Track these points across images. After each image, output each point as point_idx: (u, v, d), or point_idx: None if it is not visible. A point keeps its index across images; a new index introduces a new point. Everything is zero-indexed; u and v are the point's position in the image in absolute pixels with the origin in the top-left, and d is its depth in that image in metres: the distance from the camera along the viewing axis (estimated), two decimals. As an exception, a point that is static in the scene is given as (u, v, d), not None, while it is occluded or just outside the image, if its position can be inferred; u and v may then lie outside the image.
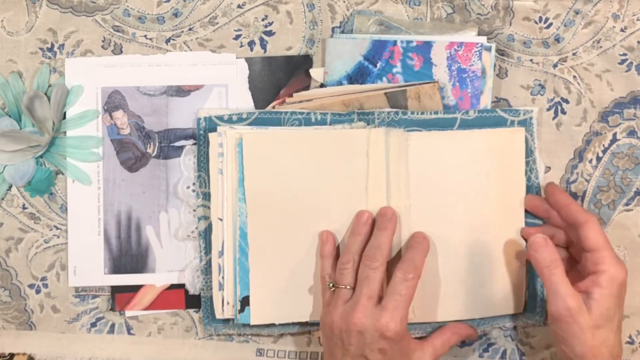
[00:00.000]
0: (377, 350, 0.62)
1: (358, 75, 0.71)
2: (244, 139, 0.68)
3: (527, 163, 0.70)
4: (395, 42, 0.71)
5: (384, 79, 0.71)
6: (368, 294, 0.63)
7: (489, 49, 0.70)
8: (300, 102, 0.71)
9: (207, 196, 0.70)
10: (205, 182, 0.70)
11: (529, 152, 0.70)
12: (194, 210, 0.72)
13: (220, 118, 0.70)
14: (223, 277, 0.69)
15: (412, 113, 0.69)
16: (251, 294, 0.68)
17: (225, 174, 0.69)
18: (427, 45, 0.71)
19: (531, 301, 0.71)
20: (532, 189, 0.70)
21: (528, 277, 0.71)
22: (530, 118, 0.70)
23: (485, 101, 0.71)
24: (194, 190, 0.72)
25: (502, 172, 0.69)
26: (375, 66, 0.71)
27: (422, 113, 0.70)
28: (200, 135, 0.70)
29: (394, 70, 0.71)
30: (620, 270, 0.62)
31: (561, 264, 0.63)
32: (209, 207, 0.70)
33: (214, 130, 0.69)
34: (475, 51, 0.70)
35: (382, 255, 0.64)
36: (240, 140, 0.68)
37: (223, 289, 0.69)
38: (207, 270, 0.70)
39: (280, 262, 0.69)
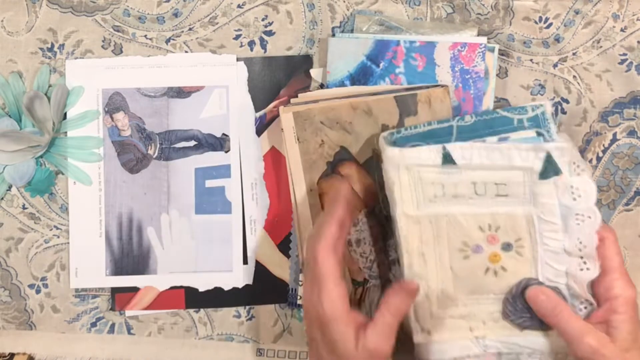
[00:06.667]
0: None
1: (360, 76, 0.71)
2: None
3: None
4: (398, 42, 0.70)
5: (387, 79, 0.71)
6: None
7: (492, 50, 0.70)
8: (306, 103, 0.71)
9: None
10: None
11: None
12: (195, 211, 0.72)
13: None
14: None
15: (406, 129, 0.64)
16: None
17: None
18: (431, 45, 0.70)
19: None
20: None
21: None
22: (543, 113, 0.62)
23: (488, 102, 0.71)
24: (195, 191, 0.72)
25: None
26: (378, 66, 0.71)
27: (415, 127, 0.64)
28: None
29: (397, 70, 0.71)
30: (632, 291, 0.61)
31: (565, 305, 0.61)
32: None
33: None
34: (479, 52, 0.70)
35: None
36: None
37: None
38: None
39: None
